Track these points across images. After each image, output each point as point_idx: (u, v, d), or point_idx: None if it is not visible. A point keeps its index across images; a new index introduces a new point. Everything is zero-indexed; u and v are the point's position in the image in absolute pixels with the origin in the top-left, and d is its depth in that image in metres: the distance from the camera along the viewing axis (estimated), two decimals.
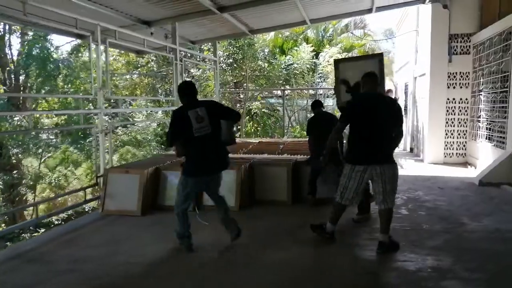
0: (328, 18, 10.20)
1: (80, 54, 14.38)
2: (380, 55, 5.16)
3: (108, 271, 3.67)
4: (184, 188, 4.01)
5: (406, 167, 9.57)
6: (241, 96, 14.40)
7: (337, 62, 5.70)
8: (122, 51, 14.33)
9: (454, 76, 9.42)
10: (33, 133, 11.68)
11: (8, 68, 12.29)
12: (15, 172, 11.82)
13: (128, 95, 15.59)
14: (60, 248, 4.28)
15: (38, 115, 13.31)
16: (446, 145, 9.68)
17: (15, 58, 12.71)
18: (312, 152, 5.69)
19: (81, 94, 11.35)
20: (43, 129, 12.71)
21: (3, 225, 12.35)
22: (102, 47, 5.96)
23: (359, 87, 4.76)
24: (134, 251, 4.15)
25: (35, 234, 10.24)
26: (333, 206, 4.24)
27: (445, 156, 9.67)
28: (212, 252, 4.10)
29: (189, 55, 10.76)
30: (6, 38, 12.65)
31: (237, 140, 9.86)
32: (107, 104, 12.48)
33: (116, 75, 15.28)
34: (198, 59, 12.34)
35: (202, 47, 14.40)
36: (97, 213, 5.70)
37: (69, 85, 12.99)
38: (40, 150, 11.87)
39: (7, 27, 12.15)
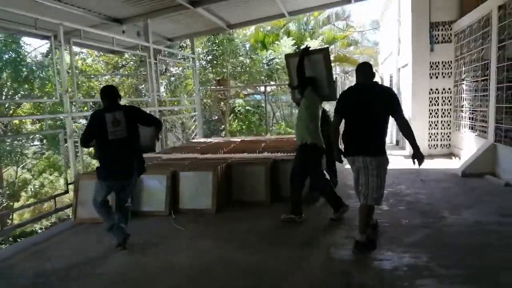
0: (306, 10, 10.03)
1: (56, 56, 14.01)
2: (325, 50, 5.01)
3: (70, 284, 3.50)
4: (97, 190, 4.12)
5: (391, 161, 9.46)
6: (226, 93, 14.16)
7: (287, 57, 5.57)
8: (102, 52, 14.00)
9: (437, 66, 9.31)
10: (8, 140, 11.41)
11: None
12: None
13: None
14: (27, 261, 4.09)
15: (17, 121, 13.02)
16: (430, 137, 9.59)
17: None
18: None
19: (54, 98, 11.08)
20: (8, 136, 12.23)
21: None
22: (72, 48, 5.76)
23: (305, 83, 4.76)
24: (100, 261, 3.97)
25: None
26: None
27: (430, 148, 9.57)
28: (185, 257, 3.94)
29: (167, 53, 10.53)
30: None
31: (220, 139, 9.73)
32: (86, 107, 12.22)
33: (93, 76, 14.92)
34: (179, 57, 12.06)
35: (182, 44, 14.12)
36: (71, 221, 5.50)
37: (42, 89, 12.61)
38: (16, 158, 11.53)
39: None
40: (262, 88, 14.00)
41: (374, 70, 4.03)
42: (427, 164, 8.14)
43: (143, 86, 15.04)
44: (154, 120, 4.22)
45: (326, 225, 4.77)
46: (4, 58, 11.40)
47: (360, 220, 3.91)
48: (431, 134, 9.57)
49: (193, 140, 9.97)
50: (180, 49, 13.78)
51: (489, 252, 3.73)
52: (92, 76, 14.79)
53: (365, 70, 3.94)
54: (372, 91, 3.85)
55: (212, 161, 6.11)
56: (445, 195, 5.81)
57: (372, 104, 3.75)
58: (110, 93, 4.03)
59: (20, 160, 11.63)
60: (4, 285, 3.57)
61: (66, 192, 5.68)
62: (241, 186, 5.84)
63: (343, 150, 4.05)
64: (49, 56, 13.40)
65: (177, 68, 14.05)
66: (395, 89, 12.25)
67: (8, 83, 12.25)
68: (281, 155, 6.41)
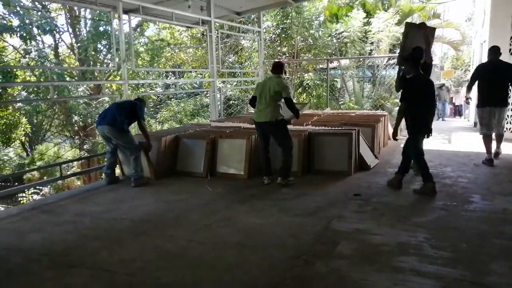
0: None
1: (144, 30, 15.38)
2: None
3: (99, 224, 4.18)
4: None
5: (455, 143, 8.86)
6: (296, 67, 14.18)
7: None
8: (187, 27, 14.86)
9: None
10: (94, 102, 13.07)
11: (79, 44, 13.66)
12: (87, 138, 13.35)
13: (195, 67, 16.28)
14: (73, 204, 4.92)
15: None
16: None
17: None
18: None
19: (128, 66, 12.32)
20: (74, 97, 13.81)
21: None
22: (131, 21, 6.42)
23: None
24: (130, 209, 4.61)
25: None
26: (483, 139, 6.37)
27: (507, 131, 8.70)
28: (197, 214, 4.41)
29: (238, 29, 10.83)
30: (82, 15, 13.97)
31: None
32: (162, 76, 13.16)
33: (176, 47, 15.91)
34: (244, 31, 12.27)
35: (253, 18, 14.32)
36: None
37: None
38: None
39: (81, 9, 13.33)
40: (334, 63, 13.79)
41: (500, 51, 6.26)
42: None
43: (226, 57, 15.65)
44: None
45: (344, 199, 4.84)
46: (94, 33, 12.87)
47: (496, 142, 6.55)
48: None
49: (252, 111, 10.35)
50: (255, 23, 14.04)
51: (494, 240, 3.53)
52: (176, 47, 15.78)
53: (493, 51, 6.23)
54: (497, 65, 6.15)
55: (251, 131, 6.44)
56: (488, 181, 5.43)
57: (499, 73, 6.05)
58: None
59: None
60: (51, 219, 4.39)
61: None
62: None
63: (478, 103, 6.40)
64: (136, 30, 14.77)
65: (247, 41, 14.39)
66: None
67: (102, 54, 13.87)
68: (319, 128, 6.49)
